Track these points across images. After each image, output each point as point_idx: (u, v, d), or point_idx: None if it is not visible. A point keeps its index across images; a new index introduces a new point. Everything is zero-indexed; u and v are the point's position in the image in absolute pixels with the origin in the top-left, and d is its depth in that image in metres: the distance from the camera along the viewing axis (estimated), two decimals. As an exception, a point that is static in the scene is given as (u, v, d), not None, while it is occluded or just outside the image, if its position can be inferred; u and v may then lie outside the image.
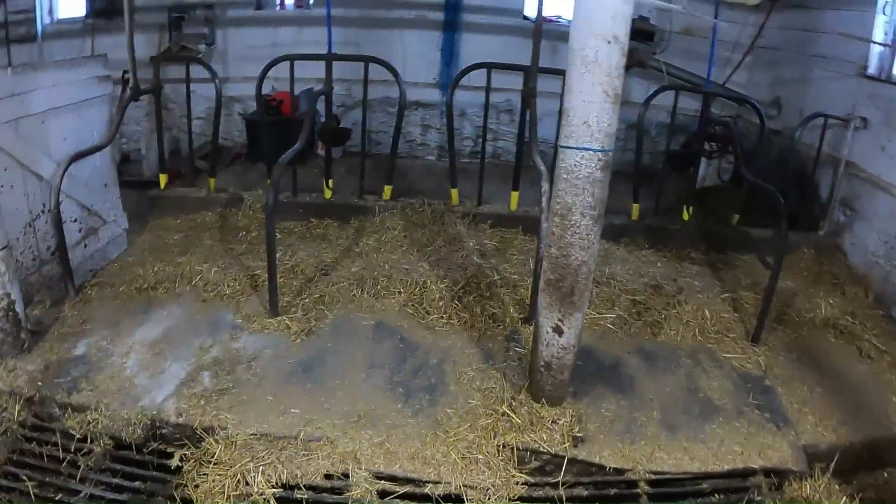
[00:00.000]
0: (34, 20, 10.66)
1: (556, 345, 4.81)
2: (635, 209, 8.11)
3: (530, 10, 10.95)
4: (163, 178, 8.30)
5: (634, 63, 9.82)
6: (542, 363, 4.93)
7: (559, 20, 11.04)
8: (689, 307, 6.45)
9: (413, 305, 6.25)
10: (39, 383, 5.18)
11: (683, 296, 6.66)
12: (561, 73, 7.57)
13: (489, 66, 7.73)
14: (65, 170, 5.99)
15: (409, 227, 7.76)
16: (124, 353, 5.53)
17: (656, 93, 8.16)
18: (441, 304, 6.25)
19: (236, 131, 11.27)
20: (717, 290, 6.95)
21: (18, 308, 5.36)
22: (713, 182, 9.56)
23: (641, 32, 9.79)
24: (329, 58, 7.91)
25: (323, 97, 7.88)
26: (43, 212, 6.09)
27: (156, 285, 6.48)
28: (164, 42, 10.72)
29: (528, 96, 7.05)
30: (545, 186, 5.67)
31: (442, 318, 6.11)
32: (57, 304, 6.15)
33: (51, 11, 11.20)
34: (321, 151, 9.90)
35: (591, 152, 4.27)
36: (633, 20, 8.92)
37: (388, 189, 8.13)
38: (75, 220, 6.58)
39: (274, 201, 5.65)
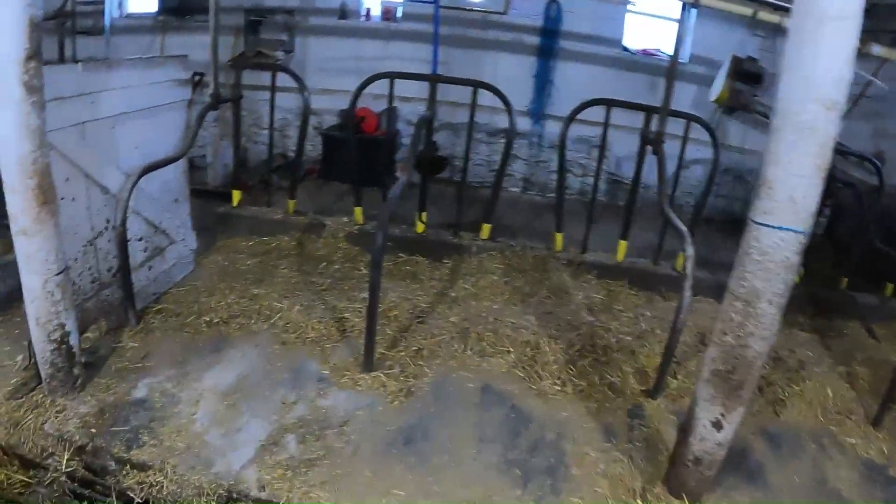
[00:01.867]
0: (102, 13, 10.28)
1: (712, 440, 4.12)
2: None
3: (629, 41, 10.24)
4: (236, 195, 7.63)
5: (740, 106, 9.00)
6: (692, 458, 4.22)
7: (659, 54, 10.26)
8: (811, 384, 5.72)
9: (523, 367, 5.48)
10: (93, 430, 4.44)
11: (806, 371, 5.94)
12: (689, 117, 7.01)
13: (609, 103, 6.96)
14: (136, 182, 5.28)
15: (509, 271, 7.03)
16: (193, 401, 4.79)
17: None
18: (555, 368, 5.47)
19: (309, 145, 10.55)
20: (830, 363, 6.24)
21: (73, 340, 4.63)
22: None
23: (749, 74, 8.95)
24: (434, 79, 7.16)
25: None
26: (106, 229, 5.37)
27: (228, 319, 5.78)
28: (237, 46, 10.14)
29: (656, 141, 6.33)
30: (689, 251, 5.03)
31: (556, 384, 5.33)
32: (114, 331, 5.45)
33: (120, 5, 10.87)
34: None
35: (793, 234, 3.58)
36: (742, 60, 8.28)
37: (486, 228, 7.38)
38: (140, 239, 5.85)
39: (383, 246, 4.90)
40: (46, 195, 4.14)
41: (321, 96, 9.93)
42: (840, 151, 8.31)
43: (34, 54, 3.83)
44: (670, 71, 6.12)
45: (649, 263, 7.24)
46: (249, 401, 4.84)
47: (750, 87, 9.22)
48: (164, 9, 10.63)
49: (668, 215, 5.51)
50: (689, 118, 6.96)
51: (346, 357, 5.41)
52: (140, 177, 5.31)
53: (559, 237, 7.31)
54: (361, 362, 5.24)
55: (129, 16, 11.01)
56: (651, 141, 6.51)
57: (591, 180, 9.87)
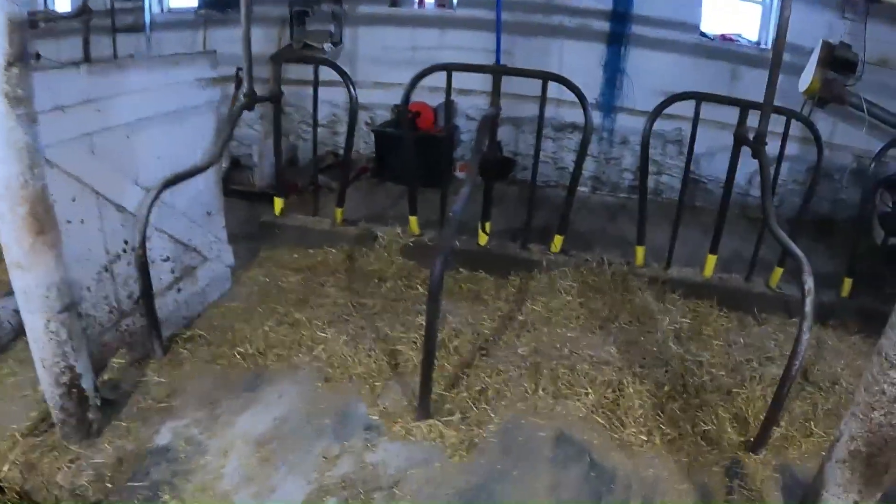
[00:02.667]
0: (142, 9, 10.00)
1: (841, 530, 3.36)
2: (848, 284, 6.37)
3: (707, 26, 9.36)
4: (278, 203, 6.97)
5: (834, 98, 8.05)
6: (816, 550, 3.45)
7: (739, 39, 9.38)
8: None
9: (604, 412, 4.71)
10: (109, 485, 3.84)
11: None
12: (790, 113, 6.16)
13: (699, 97, 6.12)
14: (155, 198, 4.61)
15: (585, 291, 6.23)
16: (222, 452, 4.14)
17: (888, 146, 6.54)
18: (640, 413, 4.69)
19: (362, 142, 10.01)
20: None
21: (85, 383, 4.01)
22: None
23: (842, 62, 7.98)
24: (498, 71, 6.37)
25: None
26: (125, 251, 4.74)
27: (265, 350, 5.12)
28: (283, 39, 9.58)
29: (757, 143, 5.46)
30: (809, 283, 4.16)
31: (641, 433, 4.54)
32: (139, 363, 4.86)
33: (161, 1, 10.50)
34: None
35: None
36: (834, 46, 7.37)
37: (558, 240, 6.58)
38: (167, 259, 5.22)
39: (441, 275, 4.16)
40: (43, 224, 3.50)
41: (373, 90, 9.44)
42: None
43: (16, 59, 3.16)
44: (775, 61, 5.26)
45: (740, 280, 6.39)
46: (286, 453, 4.18)
47: (843, 77, 8.29)
48: (206, 3, 10.12)
49: (779, 236, 4.68)
50: (790, 114, 6.12)
51: (399, 399, 4.70)
52: (161, 191, 4.65)
53: (640, 251, 6.50)
54: (416, 406, 4.52)
55: (171, 11, 10.61)
56: (750, 142, 5.63)
57: (665, 178, 9.22)
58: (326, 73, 6.83)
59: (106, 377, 4.65)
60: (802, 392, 5.04)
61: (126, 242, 4.71)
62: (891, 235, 7.00)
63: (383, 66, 9.52)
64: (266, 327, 5.35)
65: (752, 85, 7.87)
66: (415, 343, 5.20)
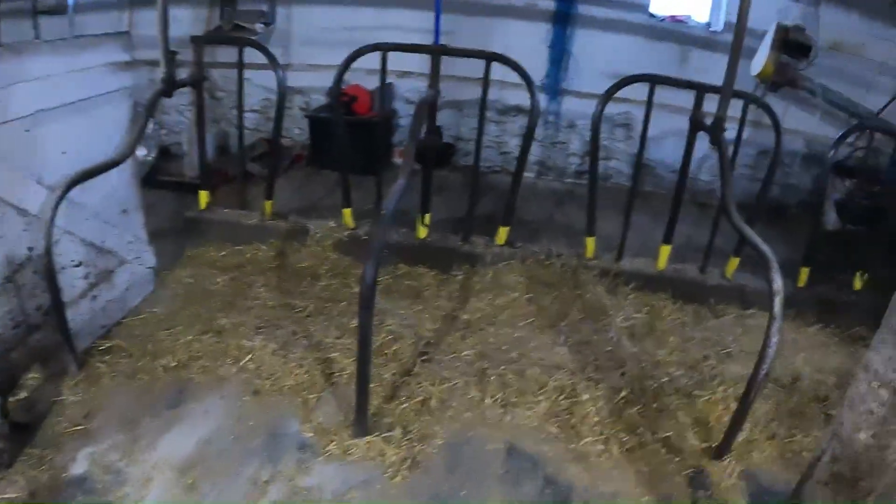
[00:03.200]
0: None
1: (819, 554, 3.08)
2: (804, 274, 6.15)
3: (655, 6, 9.05)
4: (203, 196, 6.48)
5: (787, 82, 7.82)
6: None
7: (689, 21, 9.10)
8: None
9: (557, 421, 4.39)
10: (21, 521, 3.42)
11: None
12: (748, 97, 5.85)
13: (653, 80, 5.81)
14: (60, 198, 4.14)
15: (533, 286, 5.89)
16: (142, 480, 3.74)
17: (847, 133, 6.32)
18: (596, 420, 4.39)
19: (297, 128, 9.63)
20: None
21: (-11, 410, 3.56)
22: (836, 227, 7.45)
23: (796, 45, 7.74)
24: (437, 51, 6.00)
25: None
26: (30, 258, 4.26)
27: (189, 362, 4.69)
28: (213, 20, 9.02)
29: (716, 129, 5.16)
30: (777, 282, 3.94)
31: (598, 442, 4.24)
32: (55, 380, 4.41)
33: None
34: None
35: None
36: (788, 29, 7.13)
37: (503, 231, 6.22)
38: (79, 265, 4.73)
39: (374, 278, 3.82)
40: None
41: (308, 73, 9.06)
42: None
43: None
44: (735, 42, 4.97)
45: (695, 271, 6.12)
46: (212, 478, 3.79)
47: (796, 61, 8.05)
48: (132, -18, 9.48)
49: (742, 230, 4.38)
50: (749, 98, 5.87)
51: (334, 413, 4.32)
52: (67, 190, 4.17)
53: (591, 242, 6.18)
54: (352, 422, 4.15)
55: (97, -9, 9.87)
56: (708, 128, 5.31)
57: (614, 164, 8.98)
58: (260, 55, 6.40)
59: (21, 395, 4.23)
60: (764, 390, 4.76)
61: (31, 249, 4.23)
62: (848, 223, 6.79)
63: (319, 47, 9.03)
64: (190, 336, 4.92)
65: (701, 68, 7.66)
66: (350, 350, 4.77)
